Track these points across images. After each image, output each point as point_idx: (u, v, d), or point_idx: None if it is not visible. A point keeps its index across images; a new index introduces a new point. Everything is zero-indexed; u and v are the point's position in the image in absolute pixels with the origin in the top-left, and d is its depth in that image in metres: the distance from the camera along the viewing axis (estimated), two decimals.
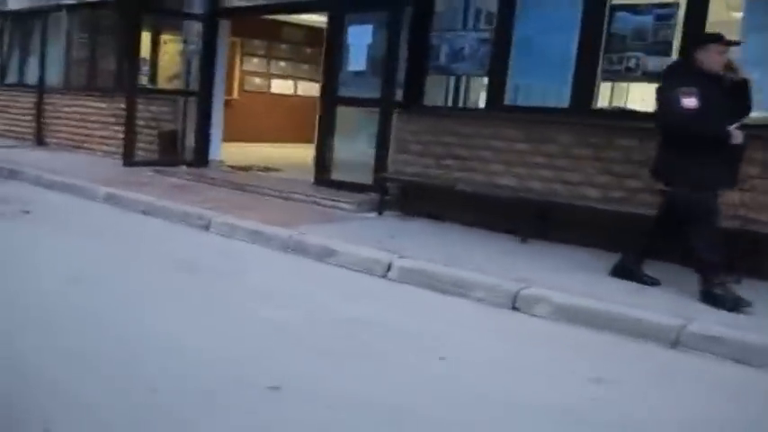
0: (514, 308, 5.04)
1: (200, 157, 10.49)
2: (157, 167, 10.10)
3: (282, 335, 4.18)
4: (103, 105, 11.84)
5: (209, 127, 10.47)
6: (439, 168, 8.07)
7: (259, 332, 4.19)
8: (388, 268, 5.78)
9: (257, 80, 15.39)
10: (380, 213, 7.97)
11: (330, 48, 8.93)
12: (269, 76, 15.67)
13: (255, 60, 15.40)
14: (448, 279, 5.45)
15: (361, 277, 5.76)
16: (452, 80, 8.56)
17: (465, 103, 8.65)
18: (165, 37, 11.09)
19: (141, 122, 11.01)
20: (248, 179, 9.50)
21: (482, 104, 8.31)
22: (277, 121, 14.86)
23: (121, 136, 11.18)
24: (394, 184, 8.31)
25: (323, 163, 9.07)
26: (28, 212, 7.36)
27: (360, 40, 8.61)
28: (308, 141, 15.62)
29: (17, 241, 6.12)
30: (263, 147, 13.99)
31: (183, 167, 10.27)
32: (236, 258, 6.18)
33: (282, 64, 15.89)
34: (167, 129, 10.44)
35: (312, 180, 9.21)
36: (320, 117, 9.08)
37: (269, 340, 4.06)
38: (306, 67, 15.90)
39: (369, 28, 8.53)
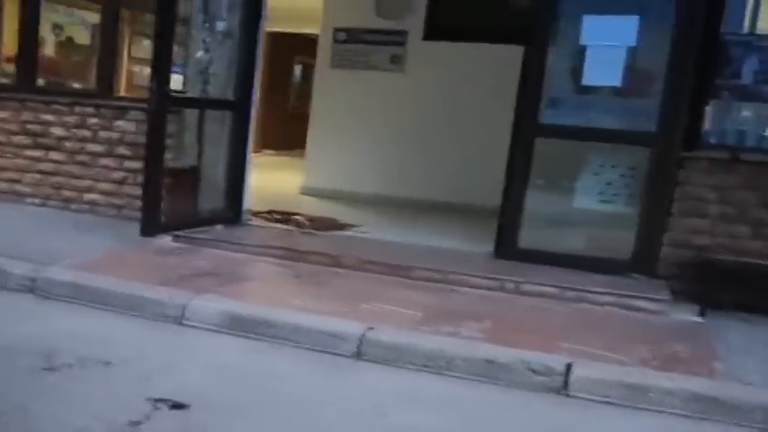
0: None
1: (233, 206, 6.35)
2: (179, 232, 5.82)
3: None
4: (1, 115, 6.93)
5: (245, 158, 6.35)
6: (759, 239, 5.26)
7: None
8: None
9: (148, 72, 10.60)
10: (704, 313, 4.95)
11: (538, 47, 5.51)
12: None
13: (146, 43, 10.65)
14: None
15: None
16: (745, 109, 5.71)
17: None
18: None
19: (101, 149, 6.55)
20: (373, 252, 5.75)
21: None
22: None
23: (47, 167, 6.63)
24: (673, 263, 5.35)
25: (512, 224, 5.67)
26: (183, 407, 3.21)
27: (611, 37, 5.38)
28: None
29: None
30: None
31: (218, 227, 6.09)
32: None
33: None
34: (182, 165, 6.11)
35: (489, 250, 5.78)
36: (511, 155, 5.65)
37: None
38: None
39: (632, 20, 5.31)
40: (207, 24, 6.12)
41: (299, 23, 11.73)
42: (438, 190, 8.19)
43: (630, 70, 5.40)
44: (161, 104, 5.41)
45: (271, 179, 9.97)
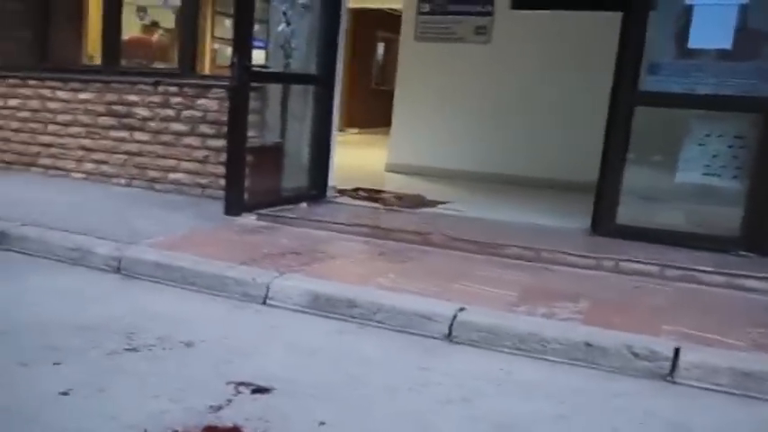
0: None
1: (317, 182, 6.22)
2: (263, 210, 5.71)
3: None
4: (87, 97, 6.97)
5: (330, 133, 6.18)
6: None
7: None
8: None
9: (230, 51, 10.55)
10: None
11: (639, 9, 5.11)
12: None
13: (228, 23, 10.63)
14: None
15: None
16: None
17: None
18: None
19: (184, 128, 6.49)
20: (462, 229, 5.54)
21: None
22: None
23: (132, 147, 6.61)
24: None
25: (610, 199, 5.32)
26: (266, 391, 3.10)
27: None
28: None
29: None
30: None
31: (303, 205, 5.96)
32: None
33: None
34: (265, 142, 5.99)
35: (586, 227, 5.48)
36: (609, 125, 5.29)
37: None
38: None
39: None
40: None
41: None
42: (530, 165, 7.89)
43: (742, 30, 4.95)
44: (242, 79, 5.27)
45: (356, 157, 9.86)
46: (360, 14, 14.36)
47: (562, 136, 7.76)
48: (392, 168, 8.87)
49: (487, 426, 2.88)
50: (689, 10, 5.02)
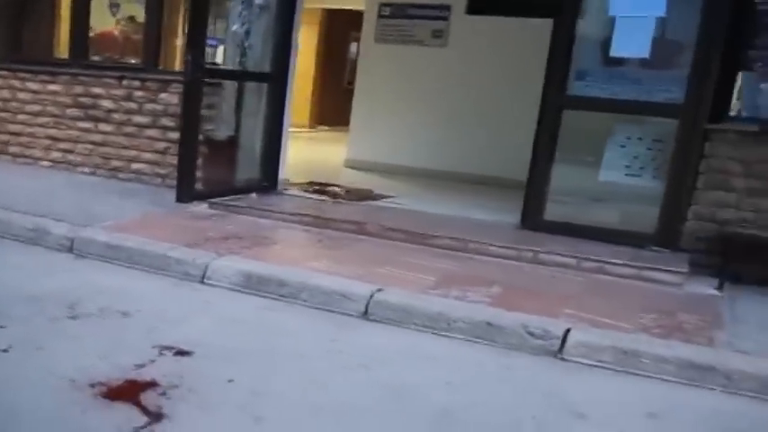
0: None
1: (269, 175, 6.57)
2: (215, 199, 6.05)
3: None
4: (55, 88, 7.30)
5: (281, 129, 6.54)
6: None
7: None
8: None
9: None
10: (722, 287, 4.91)
11: (567, 18, 5.50)
12: None
13: None
14: None
15: None
16: None
17: None
18: None
19: (146, 120, 6.83)
20: (399, 221, 5.90)
21: None
22: None
23: (97, 138, 6.94)
24: (696, 237, 5.32)
25: (537, 197, 5.71)
26: (187, 354, 3.42)
27: (640, 8, 5.33)
28: None
29: None
30: None
31: (253, 196, 6.31)
32: None
33: None
34: (220, 135, 6.34)
35: (516, 222, 5.85)
36: (539, 127, 5.67)
37: None
38: None
39: None
40: None
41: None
42: (478, 163, 8.27)
43: (659, 41, 5.33)
44: (196, 75, 5.62)
45: (320, 152, 10.22)
46: (333, 15, 14.73)
47: (513, 136, 8.07)
48: (351, 164, 9.23)
49: (379, 388, 3.25)
50: (612, 20, 5.39)
